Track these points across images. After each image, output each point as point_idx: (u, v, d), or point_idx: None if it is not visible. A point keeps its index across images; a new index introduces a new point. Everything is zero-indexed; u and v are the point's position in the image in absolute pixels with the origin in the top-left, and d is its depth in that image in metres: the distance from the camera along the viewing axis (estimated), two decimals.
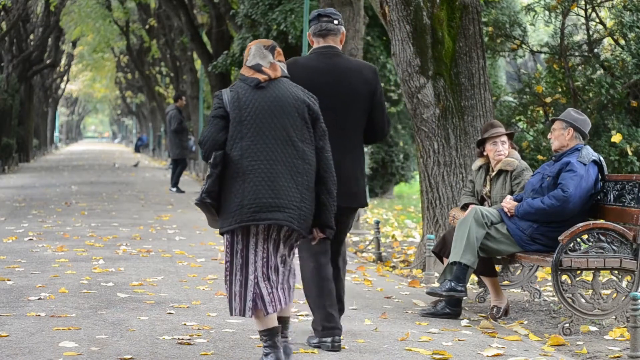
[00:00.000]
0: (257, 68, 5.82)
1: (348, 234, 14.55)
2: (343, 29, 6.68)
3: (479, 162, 8.50)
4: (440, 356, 6.29)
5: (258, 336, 6.05)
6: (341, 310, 6.67)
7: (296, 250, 5.95)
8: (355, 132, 6.61)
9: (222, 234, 5.71)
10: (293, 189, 5.68)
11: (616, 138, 10.96)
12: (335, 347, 6.35)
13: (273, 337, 5.66)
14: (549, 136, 7.94)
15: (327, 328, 6.38)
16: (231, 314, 5.71)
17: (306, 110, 5.82)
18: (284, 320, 5.87)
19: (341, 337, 6.44)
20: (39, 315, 7.35)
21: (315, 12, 6.67)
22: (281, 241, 5.75)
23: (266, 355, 5.66)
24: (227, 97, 5.78)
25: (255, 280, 5.64)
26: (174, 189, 22.73)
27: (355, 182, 6.59)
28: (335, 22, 6.63)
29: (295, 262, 6.04)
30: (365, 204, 6.78)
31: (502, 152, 8.28)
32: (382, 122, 6.71)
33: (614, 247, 7.26)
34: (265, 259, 5.69)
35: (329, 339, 6.36)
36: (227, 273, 5.70)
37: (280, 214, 5.61)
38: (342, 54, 6.66)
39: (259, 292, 5.62)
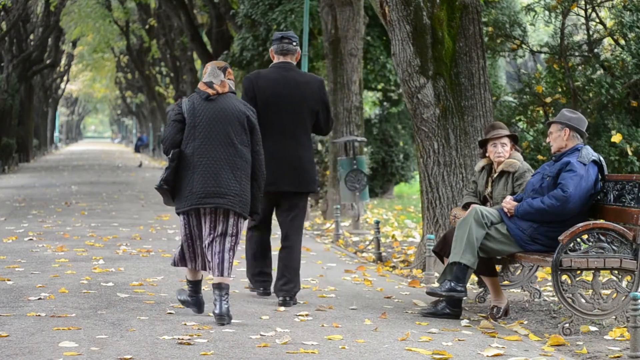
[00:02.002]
0: (209, 85, 7.41)
1: (348, 234, 14.63)
2: (299, 49, 8.45)
3: (481, 162, 8.51)
4: (440, 356, 6.29)
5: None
6: (296, 279, 8.25)
7: (241, 232, 7.46)
8: (305, 130, 8.32)
9: (178, 214, 7.42)
10: (232, 180, 7.26)
11: (616, 138, 10.95)
12: (267, 293, 8.45)
13: (197, 286, 7.54)
14: (547, 140, 7.94)
15: (259, 280, 8.48)
16: (173, 265, 7.56)
17: (245, 120, 7.38)
18: (224, 286, 7.29)
19: (271, 287, 8.43)
20: (39, 315, 7.35)
21: (278, 34, 8.38)
22: (224, 221, 7.30)
23: (190, 297, 7.54)
24: (185, 106, 7.36)
25: (205, 247, 7.33)
26: None
27: (307, 171, 8.31)
28: (294, 43, 8.38)
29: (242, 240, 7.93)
30: (315, 190, 8.46)
31: (501, 154, 8.28)
32: (326, 122, 8.47)
33: (614, 247, 7.26)
34: (211, 234, 7.31)
35: (261, 288, 8.46)
36: (184, 240, 7.43)
37: (221, 199, 7.22)
38: (296, 68, 8.41)
39: (206, 256, 7.34)
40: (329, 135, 17.90)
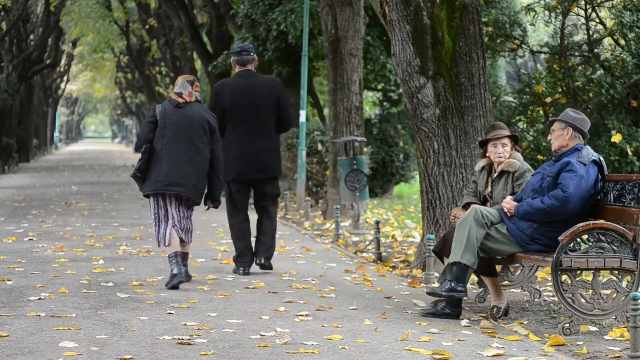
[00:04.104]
0: (179, 94, 9.15)
1: (348, 234, 14.63)
2: (255, 56, 10.04)
3: (481, 162, 8.50)
4: (440, 356, 6.29)
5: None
6: (272, 242, 9.94)
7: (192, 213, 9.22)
8: (269, 126, 9.90)
9: (145, 196, 9.10)
10: (192, 173, 8.99)
11: (616, 138, 10.95)
12: (246, 273, 9.78)
13: (177, 257, 8.86)
14: (548, 137, 7.93)
15: (240, 261, 9.83)
16: (158, 246, 9.11)
17: (206, 124, 9.12)
18: (185, 255, 9.14)
19: (250, 267, 9.86)
20: (39, 315, 7.35)
21: (237, 48, 9.98)
22: (184, 204, 9.05)
23: (172, 268, 8.84)
24: (158, 110, 9.13)
25: (173, 225, 8.99)
26: None
27: (270, 160, 9.85)
28: (252, 54, 10.00)
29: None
30: (280, 174, 9.98)
31: (502, 154, 8.28)
32: (287, 118, 10.01)
33: (614, 247, 7.25)
34: (177, 212, 9.03)
35: (241, 269, 9.79)
36: (155, 222, 9.07)
37: (181, 188, 8.95)
38: (256, 74, 10.02)
39: (175, 232, 8.96)
40: (328, 135, 17.92)
